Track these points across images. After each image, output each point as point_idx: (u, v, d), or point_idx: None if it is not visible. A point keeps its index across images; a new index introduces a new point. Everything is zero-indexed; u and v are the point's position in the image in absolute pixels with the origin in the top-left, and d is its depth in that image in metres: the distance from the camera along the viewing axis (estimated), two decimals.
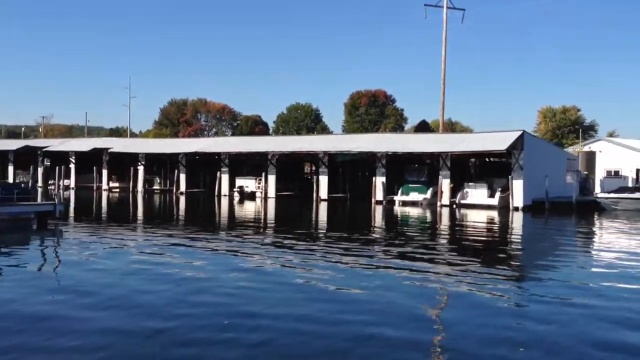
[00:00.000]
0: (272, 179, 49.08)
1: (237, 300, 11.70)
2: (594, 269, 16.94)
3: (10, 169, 60.40)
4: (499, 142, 38.97)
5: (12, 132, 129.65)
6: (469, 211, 38.46)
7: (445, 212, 38.27)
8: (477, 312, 11.08)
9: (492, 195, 40.86)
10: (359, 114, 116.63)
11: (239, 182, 50.52)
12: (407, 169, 45.23)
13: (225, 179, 51.03)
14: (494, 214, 36.45)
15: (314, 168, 53.62)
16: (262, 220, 32.43)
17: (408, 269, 15.61)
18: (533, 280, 15.00)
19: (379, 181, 44.20)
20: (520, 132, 39.42)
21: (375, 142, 45.86)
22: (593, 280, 14.41)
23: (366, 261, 16.99)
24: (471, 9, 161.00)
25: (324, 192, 46.52)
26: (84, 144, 58.62)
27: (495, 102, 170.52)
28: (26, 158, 59.57)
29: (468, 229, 28.51)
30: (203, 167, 53.70)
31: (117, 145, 57.25)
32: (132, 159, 54.51)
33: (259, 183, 49.60)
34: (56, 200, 26.87)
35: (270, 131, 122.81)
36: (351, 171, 49.89)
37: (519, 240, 25.76)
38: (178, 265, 15.91)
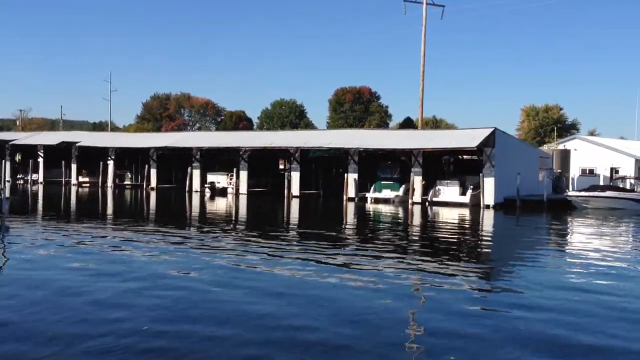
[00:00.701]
0: (243, 174, 48.13)
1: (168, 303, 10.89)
2: (548, 270, 16.26)
3: None
4: (471, 139, 38.29)
5: None
6: (441, 209, 38.08)
7: (417, 209, 37.77)
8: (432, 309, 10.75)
9: (463, 193, 40.31)
10: (344, 111, 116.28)
11: (210, 177, 49.52)
12: (379, 166, 44.45)
13: (196, 174, 50.00)
14: (466, 212, 35.88)
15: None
16: (226, 217, 31.65)
17: (367, 267, 15.07)
18: (496, 280, 14.69)
19: (351, 178, 43.42)
20: (491, 129, 38.75)
21: (348, 138, 45.02)
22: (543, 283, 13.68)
23: (331, 260, 16.28)
24: (455, 5, 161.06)
25: (295, 189, 45.67)
26: (53, 138, 57.28)
27: (480, 100, 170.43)
28: None
29: (438, 227, 28.09)
30: (175, 162, 52.55)
31: (87, 139, 55.96)
32: (102, 153, 53.29)
33: (231, 179, 48.60)
34: (2, 196, 25.77)
35: (255, 127, 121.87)
36: (324, 167, 49.00)
37: (489, 238, 25.26)
38: (115, 261, 15.18)
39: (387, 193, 42.80)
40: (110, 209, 35.94)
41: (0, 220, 24.42)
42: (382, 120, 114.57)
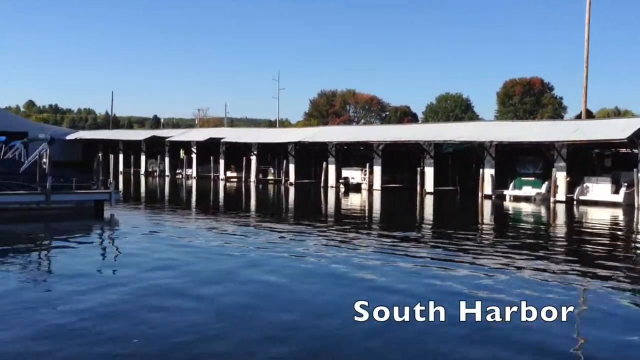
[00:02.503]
0: (377, 170, 46.58)
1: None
2: None
3: (143, 157, 63.75)
4: (621, 130, 33.27)
5: (166, 124, 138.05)
6: (589, 208, 33.81)
7: (561, 209, 33.99)
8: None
9: (617, 191, 35.28)
10: (513, 104, 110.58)
11: (345, 173, 48.65)
12: (519, 161, 40.45)
13: (332, 169, 49.40)
14: (619, 213, 31.54)
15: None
16: (357, 214, 30.80)
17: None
18: None
19: (487, 173, 40.02)
20: None
21: (482, 130, 41.57)
22: None
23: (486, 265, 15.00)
24: None
25: (429, 185, 43.20)
26: (202, 134, 60.14)
27: None
28: (155, 147, 62.55)
29: (586, 230, 25.16)
30: (314, 157, 52.44)
31: (231, 135, 57.94)
32: (246, 148, 54.83)
33: (365, 174, 47.33)
34: (111, 188, 27.00)
35: (420, 122, 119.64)
36: (462, 162, 45.78)
37: None
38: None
39: (527, 190, 38.84)
40: (246, 203, 37.39)
41: (112, 216, 25.75)
42: (555, 113, 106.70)
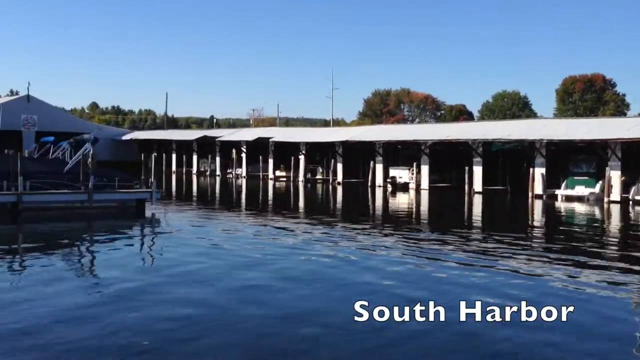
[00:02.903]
0: (425, 169, 45.87)
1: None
2: None
3: (194, 157, 64.75)
4: None
5: (222, 125, 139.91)
6: None
7: (616, 209, 32.67)
8: None
9: None
10: (573, 101, 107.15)
11: (392, 172, 48.11)
12: (571, 159, 39.03)
13: (379, 168, 48.93)
14: None
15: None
16: (404, 215, 30.41)
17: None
18: None
19: (538, 172, 38.84)
20: None
21: (532, 128, 40.30)
22: None
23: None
24: None
25: (478, 185, 42.21)
26: (251, 134, 60.58)
27: None
28: (206, 147, 63.47)
29: None
30: (362, 156, 52.03)
31: (279, 134, 58.14)
32: (294, 148, 54.94)
33: (412, 174, 46.66)
34: (152, 188, 27.40)
35: (475, 120, 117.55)
36: (512, 161, 44.51)
37: None
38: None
39: (580, 190, 37.44)
40: (290, 202, 37.55)
41: (152, 215, 26.17)
42: (617, 110, 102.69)
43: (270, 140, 55.94)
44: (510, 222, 28.61)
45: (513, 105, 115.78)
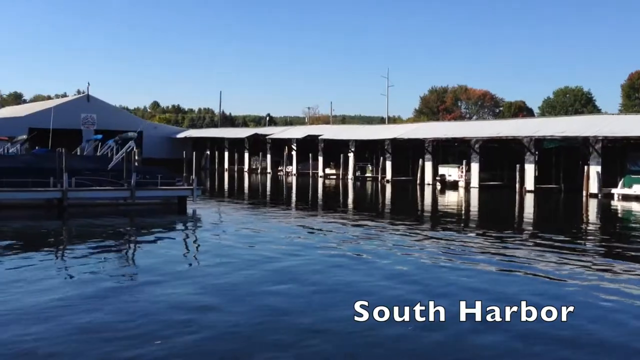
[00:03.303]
0: (475, 167, 44.80)
1: None
2: None
3: (246, 155, 65.30)
4: None
5: (279, 122, 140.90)
6: None
7: None
8: None
9: None
10: (639, 96, 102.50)
11: (442, 170, 47.23)
12: (629, 157, 37.32)
13: (428, 166, 48.13)
14: None
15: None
16: (452, 214, 29.79)
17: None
18: None
19: (593, 171, 37.35)
20: None
21: (586, 125, 38.70)
22: None
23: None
24: None
25: (530, 183, 40.92)
26: (301, 131, 60.58)
27: None
28: (258, 145, 63.96)
29: None
30: (412, 154, 51.30)
31: (328, 132, 57.94)
32: (343, 145, 54.69)
33: (462, 172, 45.67)
34: (194, 185, 27.70)
35: (536, 117, 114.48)
36: (567, 159, 42.93)
37: None
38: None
39: (638, 189, 35.77)
40: (334, 200, 37.21)
41: (194, 211, 26.47)
42: None
43: (319, 137, 55.85)
44: (561, 222, 27.42)
45: (575, 102, 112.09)
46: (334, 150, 55.94)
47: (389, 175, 51.14)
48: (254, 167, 64.62)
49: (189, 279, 12.90)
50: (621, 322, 10.00)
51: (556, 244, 18.47)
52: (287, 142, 60.15)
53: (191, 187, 27.61)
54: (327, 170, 56.99)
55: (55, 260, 15.70)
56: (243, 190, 44.10)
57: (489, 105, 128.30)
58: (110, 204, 26.39)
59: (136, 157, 29.32)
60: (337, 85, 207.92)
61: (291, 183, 51.54)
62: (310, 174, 56.51)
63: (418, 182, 47.64)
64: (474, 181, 44.63)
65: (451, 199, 38.15)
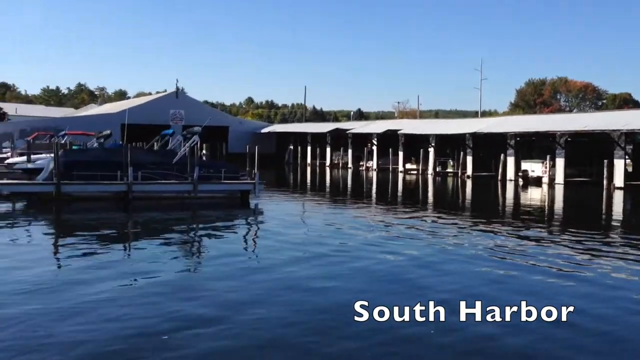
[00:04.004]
0: (560, 162, 42.46)
1: None
2: None
3: (328, 149, 65.26)
4: None
5: (369, 117, 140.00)
6: None
7: None
8: None
9: None
10: None
11: (524, 165, 45.09)
12: None
13: (510, 162, 46.12)
14: None
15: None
16: (534, 213, 28.29)
17: None
18: None
19: None
20: None
21: None
22: None
23: None
24: None
25: (619, 180, 38.30)
26: (381, 126, 59.73)
27: None
28: (340, 140, 63.76)
29: None
30: (494, 148, 49.31)
31: (408, 126, 56.75)
32: (424, 140, 53.47)
33: (546, 167, 43.39)
34: (256, 179, 27.86)
35: None
36: None
37: None
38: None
39: None
40: (412, 196, 36.48)
41: (255, 206, 26.65)
42: None
43: (399, 132, 54.89)
44: None
45: None
46: (415, 145, 54.80)
47: (469, 171, 49.45)
48: (335, 161, 64.51)
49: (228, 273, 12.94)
50: None
51: None
52: (368, 136, 59.56)
53: (253, 181, 27.76)
54: (408, 166, 55.90)
55: (112, 253, 15.87)
56: (317, 185, 44.09)
57: (591, 98, 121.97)
58: (175, 197, 27.00)
59: (204, 152, 29.77)
60: (430, 79, 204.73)
61: (371, 178, 51.07)
62: (390, 169, 55.70)
63: (499, 178, 45.78)
64: (559, 177, 42.32)
65: (533, 196, 36.37)
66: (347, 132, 61.15)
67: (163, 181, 26.77)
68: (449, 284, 12.06)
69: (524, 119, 51.58)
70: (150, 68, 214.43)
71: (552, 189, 40.61)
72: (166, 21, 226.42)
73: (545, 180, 43.07)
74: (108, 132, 34.97)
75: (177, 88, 71.43)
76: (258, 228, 20.92)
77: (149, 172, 26.73)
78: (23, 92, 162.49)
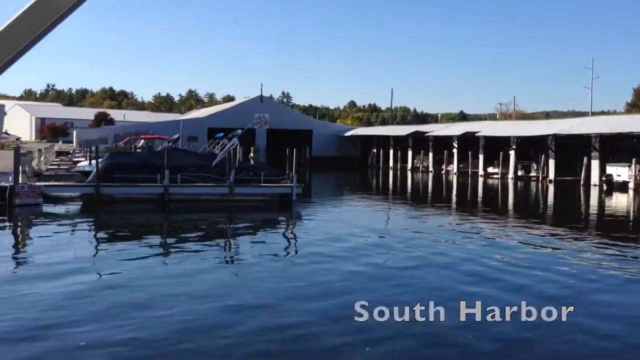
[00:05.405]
0: None
1: None
2: None
3: (409, 153, 63.56)
4: None
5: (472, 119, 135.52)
6: None
7: None
8: None
9: None
10: None
11: (609, 169, 41.56)
12: None
13: (594, 165, 42.69)
14: None
15: None
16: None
17: None
18: None
19: None
20: None
21: None
22: None
23: None
24: None
25: None
26: (460, 128, 57.30)
27: None
28: (423, 143, 61.89)
29: None
30: (580, 151, 45.88)
31: (488, 128, 54.02)
32: (504, 142, 50.76)
33: (633, 171, 39.72)
34: (293, 183, 27.51)
35: None
36: None
37: None
38: None
39: None
40: (486, 201, 35.43)
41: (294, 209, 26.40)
42: None
43: (477, 134, 52.44)
44: None
45: None
46: (497, 148, 52.15)
47: (551, 175, 46.30)
48: (417, 165, 62.76)
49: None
50: None
51: None
52: (448, 139, 57.44)
53: (291, 185, 27.34)
54: (490, 169, 53.31)
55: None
56: (398, 189, 43.14)
57: None
58: (214, 199, 27.10)
59: (252, 155, 29.80)
60: (538, 79, 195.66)
61: (451, 182, 49.33)
62: (470, 172, 53.40)
63: (582, 182, 42.53)
64: None
65: (616, 203, 33.73)
66: (427, 134, 59.31)
67: (199, 184, 26.96)
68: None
69: (613, 119, 47.68)
70: (255, 74, 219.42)
71: (637, 194, 37.39)
72: (275, 27, 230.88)
73: (631, 185, 39.48)
74: (177, 136, 35.88)
75: (262, 92, 72.63)
76: (285, 234, 20.59)
77: (189, 174, 27.06)
78: (140, 99, 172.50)
